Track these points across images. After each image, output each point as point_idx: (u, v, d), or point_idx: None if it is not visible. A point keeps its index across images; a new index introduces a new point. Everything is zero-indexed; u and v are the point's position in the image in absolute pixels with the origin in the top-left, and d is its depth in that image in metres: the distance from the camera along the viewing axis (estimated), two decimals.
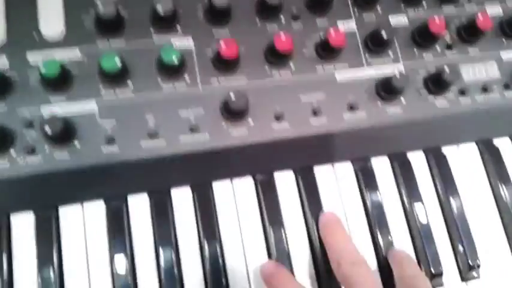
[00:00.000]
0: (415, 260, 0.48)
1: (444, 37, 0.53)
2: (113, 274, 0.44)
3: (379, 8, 0.53)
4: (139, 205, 0.46)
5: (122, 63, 0.44)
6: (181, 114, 0.47)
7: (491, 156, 0.54)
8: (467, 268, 0.49)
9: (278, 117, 0.48)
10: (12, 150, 0.43)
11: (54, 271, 0.43)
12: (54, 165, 0.43)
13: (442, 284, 0.49)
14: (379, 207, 0.50)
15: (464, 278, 0.49)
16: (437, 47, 0.53)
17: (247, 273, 0.46)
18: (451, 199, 0.51)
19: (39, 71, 0.42)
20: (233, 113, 0.46)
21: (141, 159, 0.45)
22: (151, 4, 0.47)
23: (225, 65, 0.47)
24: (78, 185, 0.44)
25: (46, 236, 0.43)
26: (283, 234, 0.47)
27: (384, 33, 0.50)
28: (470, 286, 0.49)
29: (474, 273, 0.49)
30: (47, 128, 0.41)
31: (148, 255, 0.45)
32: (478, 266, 0.49)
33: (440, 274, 0.48)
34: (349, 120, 0.49)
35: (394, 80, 0.49)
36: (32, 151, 0.43)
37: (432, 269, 0.48)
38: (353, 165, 0.51)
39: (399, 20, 0.53)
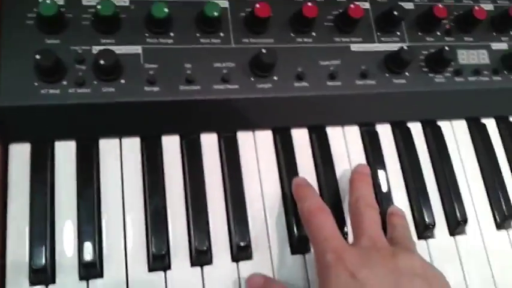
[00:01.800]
0: (407, 225, 0.53)
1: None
2: (146, 210, 0.47)
3: None
4: (171, 144, 0.50)
5: (168, 13, 0.49)
6: (215, 66, 0.52)
7: (478, 132, 0.61)
8: (456, 223, 0.55)
9: (299, 77, 0.54)
10: (64, 82, 0.47)
11: (93, 198, 0.46)
12: (101, 97, 0.47)
13: (433, 236, 0.55)
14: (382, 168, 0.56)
15: (452, 233, 0.55)
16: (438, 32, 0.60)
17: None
18: (444, 165, 0.57)
19: (96, 9, 0.47)
20: (262, 67, 0.51)
21: (178, 101, 0.49)
22: None
23: (256, 25, 0.53)
24: (119, 119, 0.48)
25: (86, 164, 0.47)
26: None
27: (396, 13, 0.56)
28: (457, 240, 0.55)
29: (462, 229, 0.55)
30: (101, 60, 0.45)
31: (178, 194, 0.49)
32: (465, 221, 0.55)
33: (433, 225, 0.54)
34: (361, 86, 0.56)
35: (402, 53, 0.55)
36: (82, 83, 0.47)
37: (426, 219, 0.54)
38: (360, 128, 0.57)
39: (407, 5, 0.60)
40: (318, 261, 0.44)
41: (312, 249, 0.50)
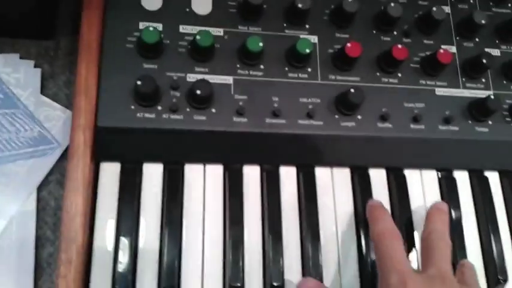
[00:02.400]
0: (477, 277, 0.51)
1: None
2: (225, 239, 0.48)
3: (477, 39, 0.59)
4: (252, 174, 0.51)
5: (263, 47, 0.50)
6: (301, 101, 0.52)
7: None
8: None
9: (383, 118, 0.53)
10: (159, 107, 0.48)
11: (177, 222, 0.47)
12: (192, 125, 0.48)
13: None
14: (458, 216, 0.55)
15: None
16: None
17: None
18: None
19: (195, 40, 0.48)
20: (348, 106, 0.51)
21: (264, 133, 0.50)
22: (290, 1, 0.53)
23: (344, 63, 0.53)
24: (205, 146, 0.49)
25: (172, 188, 0.48)
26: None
27: (484, 61, 0.56)
28: None
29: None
30: (198, 90, 0.46)
31: (256, 225, 0.49)
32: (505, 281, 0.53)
33: (505, 280, 0.53)
34: (444, 131, 0.55)
35: (488, 101, 0.54)
36: (175, 110, 0.48)
37: (499, 274, 0.53)
38: (437, 173, 0.56)
39: (493, 51, 0.59)
40: (382, 283, 0.44)
41: None
